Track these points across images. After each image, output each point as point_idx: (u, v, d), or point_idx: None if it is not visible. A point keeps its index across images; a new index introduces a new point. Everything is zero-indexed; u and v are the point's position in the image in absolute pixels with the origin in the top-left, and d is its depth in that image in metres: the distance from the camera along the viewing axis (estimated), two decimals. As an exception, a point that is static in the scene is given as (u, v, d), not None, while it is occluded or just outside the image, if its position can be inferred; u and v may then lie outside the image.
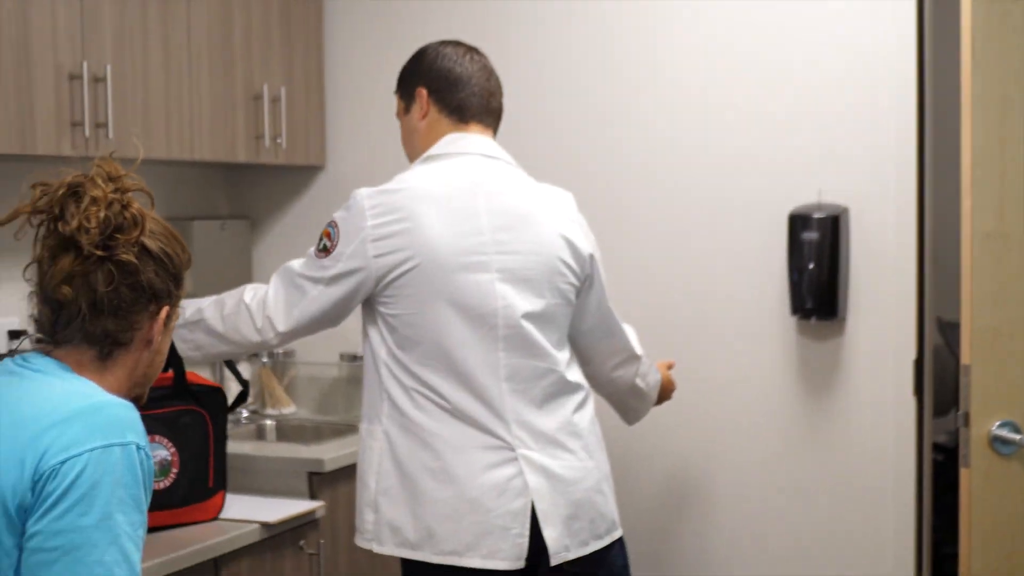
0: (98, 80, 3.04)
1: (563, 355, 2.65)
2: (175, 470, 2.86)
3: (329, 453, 3.35)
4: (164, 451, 2.85)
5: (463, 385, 2.53)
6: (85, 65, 2.99)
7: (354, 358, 3.86)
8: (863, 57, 3.39)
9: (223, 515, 2.95)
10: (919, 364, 3.39)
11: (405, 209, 2.51)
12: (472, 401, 2.53)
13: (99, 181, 1.71)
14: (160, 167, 3.75)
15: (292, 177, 4.03)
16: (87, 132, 3.00)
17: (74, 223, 1.68)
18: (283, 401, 3.91)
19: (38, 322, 1.73)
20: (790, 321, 3.48)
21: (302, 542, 3.10)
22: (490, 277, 2.53)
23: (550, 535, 2.53)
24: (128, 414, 1.65)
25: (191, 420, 2.89)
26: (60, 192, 1.70)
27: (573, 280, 2.65)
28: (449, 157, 2.63)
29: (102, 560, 1.56)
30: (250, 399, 3.86)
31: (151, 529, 2.83)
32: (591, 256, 2.70)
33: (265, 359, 3.78)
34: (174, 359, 2.78)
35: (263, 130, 3.66)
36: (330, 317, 2.61)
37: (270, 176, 4.05)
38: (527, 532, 2.51)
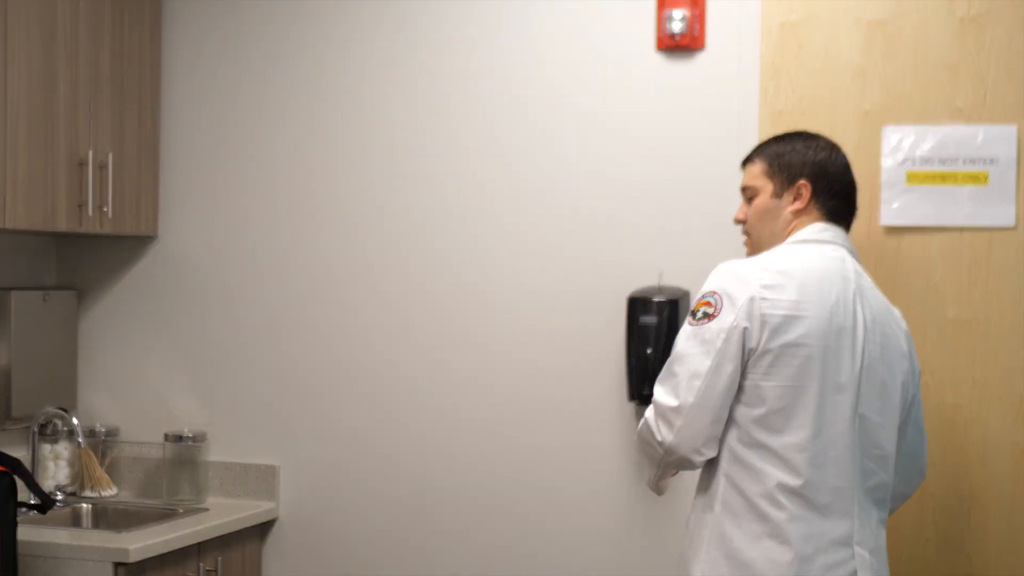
0: None
1: None
2: (-46, 562, 2.64)
3: (137, 542, 3.14)
4: (-58, 542, 2.63)
5: None
6: None
7: (179, 438, 3.67)
8: (708, 139, 3.34)
9: (10, 611, 2.75)
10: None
11: None
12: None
13: None
14: (-26, 234, 3.55)
15: (123, 247, 3.85)
16: None
17: None
18: (103, 482, 3.69)
19: None
20: (627, 407, 3.38)
21: (101, 639, 2.90)
22: None
23: None
24: None
25: (-27, 508, 2.69)
26: None
27: None
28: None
29: None
30: (68, 481, 3.64)
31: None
32: None
33: (81, 439, 3.55)
34: None
35: (87, 198, 3.48)
36: None
37: (100, 246, 3.86)
38: None
